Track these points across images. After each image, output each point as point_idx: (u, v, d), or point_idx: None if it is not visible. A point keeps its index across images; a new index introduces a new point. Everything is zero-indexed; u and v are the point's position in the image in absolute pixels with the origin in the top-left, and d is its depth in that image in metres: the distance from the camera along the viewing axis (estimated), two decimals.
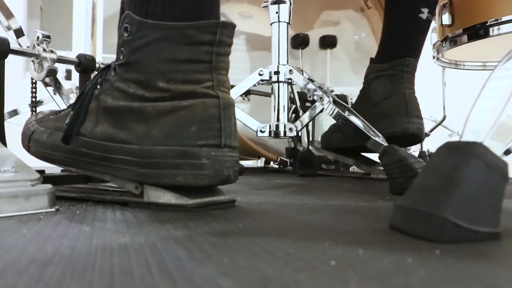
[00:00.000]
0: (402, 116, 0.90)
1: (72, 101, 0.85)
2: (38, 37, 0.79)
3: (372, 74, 0.98)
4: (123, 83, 0.47)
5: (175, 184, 0.44)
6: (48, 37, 0.79)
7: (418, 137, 0.92)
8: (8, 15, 0.88)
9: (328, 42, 1.41)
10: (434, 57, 1.17)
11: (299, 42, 1.31)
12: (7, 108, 0.86)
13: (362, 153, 1.04)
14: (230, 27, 0.46)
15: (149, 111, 0.45)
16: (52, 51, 0.80)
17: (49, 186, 0.44)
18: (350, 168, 1.20)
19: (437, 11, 1.01)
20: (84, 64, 0.83)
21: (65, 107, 0.82)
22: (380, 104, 0.94)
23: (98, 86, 0.50)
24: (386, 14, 1.00)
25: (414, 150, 1.56)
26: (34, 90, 0.84)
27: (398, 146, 0.70)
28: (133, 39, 0.46)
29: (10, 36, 0.85)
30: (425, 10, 0.91)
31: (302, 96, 1.18)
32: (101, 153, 0.47)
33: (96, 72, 0.88)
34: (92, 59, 0.85)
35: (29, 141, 0.55)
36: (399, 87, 0.92)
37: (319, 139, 1.29)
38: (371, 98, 0.96)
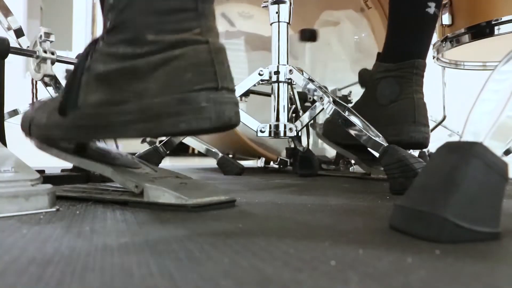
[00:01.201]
0: (409, 123, 0.88)
1: None
2: (40, 36, 0.79)
3: (379, 73, 0.96)
4: (112, 47, 0.47)
5: (178, 132, 0.44)
6: (51, 34, 0.79)
7: (423, 146, 0.91)
8: (8, 15, 0.88)
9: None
10: (434, 57, 1.17)
11: (307, 36, 1.30)
12: (7, 108, 0.86)
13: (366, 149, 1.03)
14: None
15: (142, 66, 0.45)
16: (52, 53, 0.80)
17: (49, 186, 0.44)
18: (350, 168, 1.20)
19: None
20: None
21: None
22: (386, 107, 0.92)
23: (89, 58, 0.50)
24: (391, 9, 0.97)
25: (414, 150, 1.56)
26: (34, 90, 0.84)
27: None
28: (119, 1, 0.47)
29: (10, 36, 0.85)
30: (432, 4, 0.89)
31: (302, 96, 1.18)
32: (102, 119, 0.47)
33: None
34: None
35: (30, 128, 0.55)
36: (407, 91, 0.89)
37: (319, 141, 1.28)
38: (378, 99, 0.94)
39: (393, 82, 0.92)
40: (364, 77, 1.07)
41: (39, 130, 0.54)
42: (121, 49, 0.47)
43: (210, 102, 0.43)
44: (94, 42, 0.50)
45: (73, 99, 0.48)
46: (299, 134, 1.02)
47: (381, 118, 0.89)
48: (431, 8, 0.88)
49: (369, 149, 0.76)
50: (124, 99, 0.46)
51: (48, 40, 0.79)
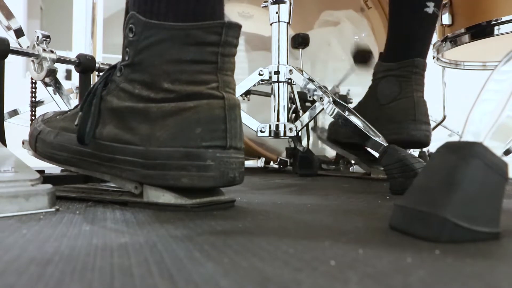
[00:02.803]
0: (409, 122, 0.88)
1: (72, 101, 0.85)
2: (38, 37, 0.79)
3: (380, 73, 0.96)
4: (128, 84, 0.47)
5: (180, 186, 0.44)
6: (48, 37, 0.79)
7: (424, 144, 0.91)
8: (8, 15, 0.88)
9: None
10: (434, 57, 1.17)
11: (299, 41, 1.30)
12: (7, 108, 0.86)
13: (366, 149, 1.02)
14: (235, 27, 0.46)
15: (154, 112, 0.45)
16: (52, 51, 0.80)
17: (49, 186, 0.44)
18: (350, 168, 1.20)
19: None
20: (84, 64, 0.83)
21: (65, 107, 0.83)
22: (387, 106, 0.92)
23: (104, 87, 0.50)
24: (391, 9, 0.97)
25: (414, 150, 1.56)
26: (34, 90, 0.84)
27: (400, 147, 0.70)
28: (138, 40, 0.46)
29: (10, 36, 0.85)
30: (431, 4, 0.89)
31: (302, 96, 1.18)
32: (107, 154, 0.47)
33: (96, 72, 0.88)
34: (92, 59, 0.85)
35: (36, 141, 0.55)
36: (407, 90, 0.90)
37: (319, 141, 1.28)
38: (379, 99, 0.94)
39: (394, 81, 0.92)
40: (360, 56, 1.07)
41: (45, 146, 0.54)
42: (137, 89, 0.46)
43: (215, 161, 0.43)
44: (112, 68, 0.50)
45: (91, 130, 0.48)
46: (299, 134, 1.02)
47: (382, 117, 0.89)
48: (430, 8, 0.89)
49: (369, 149, 0.76)
50: (132, 139, 0.46)
51: (46, 40, 0.79)
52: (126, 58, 0.48)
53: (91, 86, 0.51)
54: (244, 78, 0.93)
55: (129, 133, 0.46)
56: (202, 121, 0.44)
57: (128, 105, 0.46)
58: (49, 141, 0.53)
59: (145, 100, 0.46)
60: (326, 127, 1.17)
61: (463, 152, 0.32)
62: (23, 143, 0.63)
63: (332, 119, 1.13)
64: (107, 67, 0.90)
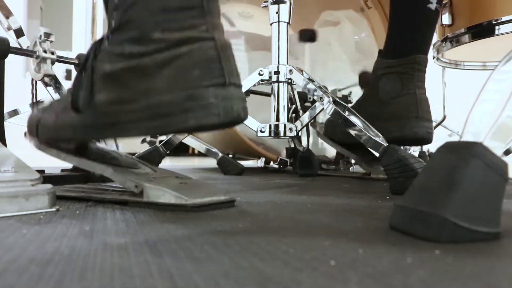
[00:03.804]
0: (411, 119, 0.87)
1: None
2: (40, 36, 0.79)
3: (380, 69, 0.95)
4: (118, 47, 0.47)
5: (188, 128, 0.44)
6: (50, 35, 0.79)
7: (427, 141, 0.91)
8: (8, 15, 0.88)
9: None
10: (434, 57, 1.17)
11: (308, 36, 1.29)
12: (7, 108, 0.86)
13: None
14: None
15: (149, 64, 0.45)
16: (52, 52, 0.80)
17: (49, 186, 0.44)
18: (350, 168, 1.20)
19: None
20: None
21: None
22: (389, 104, 0.91)
23: (92, 58, 0.50)
24: (392, 5, 0.96)
25: (414, 150, 1.56)
26: (34, 90, 0.84)
27: (402, 146, 0.70)
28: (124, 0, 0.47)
29: (10, 36, 0.85)
30: (434, 0, 0.89)
31: (302, 96, 1.18)
32: (110, 119, 0.47)
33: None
34: None
35: (37, 130, 0.55)
36: (409, 86, 0.89)
37: (319, 141, 1.28)
38: (380, 95, 0.93)
39: (395, 78, 0.91)
40: (364, 79, 1.06)
41: (47, 131, 0.54)
42: (127, 48, 0.46)
43: (218, 98, 0.44)
44: (99, 42, 0.50)
45: (86, 97, 0.48)
46: (299, 134, 1.02)
47: (383, 114, 0.88)
48: (433, 4, 0.88)
49: (369, 148, 0.76)
50: (132, 97, 0.46)
51: (48, 40, 0.79)
52: (113, 24, 0.48)
53: (83, 58, 0.51)
54: (244, 78, 0.93)
55: (128, 92, 0.46)
56: (197, 64, 0.44)
57: (121, 66, 0.47)
58: (52, 124, 0.53)
59: (137, 56, 0.46)
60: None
61: (463, 152, 0.32)
62: (25, 134, 0.63)
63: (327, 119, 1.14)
64: None
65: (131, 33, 0.46)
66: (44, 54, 0.78)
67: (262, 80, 0.92)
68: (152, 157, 0.97)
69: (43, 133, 0.55)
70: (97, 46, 0.50)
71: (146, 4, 0.46)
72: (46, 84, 0.82)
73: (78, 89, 0.48)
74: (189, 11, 0.46)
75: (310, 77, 0.90)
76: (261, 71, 0.91)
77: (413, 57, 0.89)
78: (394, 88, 0.91)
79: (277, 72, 0.91)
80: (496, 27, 0.92)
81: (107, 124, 0.48)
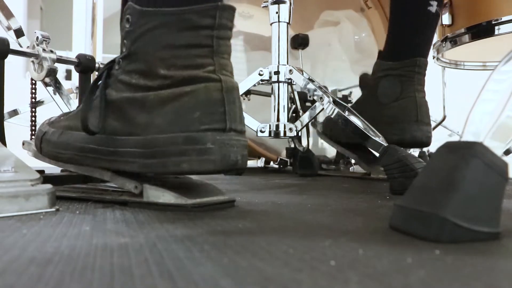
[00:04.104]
0: (411, 123, 0.87)
1: (72, 101, 0.85)
2: (37, 38, 0.79)
3: (380, 72, 0.95)
4: (126, 75, 0.47)
5: (181, 172, 0.43)
6: (47, 37, 0.79)
7: (425, 144, 0.91)
8: (8, 15, 0.88)
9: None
10: (434, 57, 1.17)
11: (299, 42, 1.30)
12: (7, 108, 0.86)
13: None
14: (230, 10, 0.45)
15: (152, 99, 0.44)
16: (52, 51, 0.80)
17: (49, 186, 0.44)
18: (350, 168, 1.20)
19: None
20: (84, 64, 0.83)
21: (65, 107, 0.83)
22: (388, 106, 0.91)
23: (103, 80, 0.50)
24: (393, 8, 0.96)
25: (414, 150, 1.56)
26: (34, 90, 0.84)
27: (401, 147, 0.70)
28: (134, 29, 0.46)
29: (10, 36, 0.85)
30: (434, 3, 0.88)
31: (302, 96, 1.18)
32: (108, 147, 0.47)
33: (96, 72, 0.88)
34: (92, 59, 0.85)
35: (41, 142, 0.55)
36: (409, 89, 0.89)
37: (319, 141, 1.28)
38: (379, 98, 0.93)
39: (395, 80, 0.91)
40: (365, 81, 1.06)
41: (49, 146, 0.54)
42: (134, 79, 0.46)
43: (216, 144, 0.42)
44: (111, 63, 0.50)
45: (100, 122, 0.47)
46: (299, 134, 1.02)
47: (382, 116, 0.88)
48: (433, 7, 0.88)
49: (369, 148, 0.76)
50: (131, 130, 0.45)
51: (45, 41, 0.79)
52: (124, 50, 0.48)
53: (93, 81, 0.50)
54: (244, 78, 0.93)
55: (128, 124, 0.46)
56: (200, 105, 0.43)
57: (126, 96, 0.46)
58: (54, 141, 0.53)
59: (142, 89, 0.45)
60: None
61: (463, 152, 0.32)
62: (23, 144, 0.63)
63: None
64: None
65: (139, 65, 0.46)
66: (44, 54, 0.78)
67: (262, 80, 0.92)
68: None
69: (45, 147, 0.55)
70: (108, 68, 0.50)
71: (154, 38, 0.45)
72: (46, 84, 0.83)
73: (86, 112, 0.48)
74: (197, 49, 0.45)
75: (310, 77, 0.90)
76: (261, 71, 0.91)
77: (413, 60, 0.89)
78: (394, 91, 0.91)
79: (277, 72, 0.91)
80: (496, 27, 0.92)
81: (105, 152, 0.47)
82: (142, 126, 0.45)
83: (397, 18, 0.95)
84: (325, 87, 1.13)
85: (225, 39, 0.46)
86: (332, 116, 0.83)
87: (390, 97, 0.91)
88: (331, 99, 0.84)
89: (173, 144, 0.43)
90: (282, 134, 0.89)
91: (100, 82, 0.49)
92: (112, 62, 0.50)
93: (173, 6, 0.45)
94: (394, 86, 0.91)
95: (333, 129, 1.08)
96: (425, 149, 1.58)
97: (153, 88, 0.45)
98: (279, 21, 0.91)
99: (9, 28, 0.88)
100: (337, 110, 0.81)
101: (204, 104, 0.43)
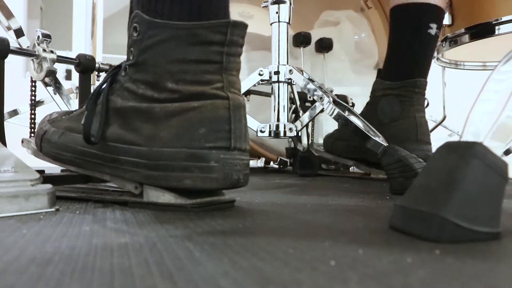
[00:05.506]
0: (411, 142, 0.87)
1: (72, 101, 0.85)
2: (38, 37, 0.79)
3: (379, 91, 0.95)
4: (132, 84, 0.47)
5: (182, 187, 0.44)
6: (48, 36, 0.79)
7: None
8: (8, 15, 0.88)
9: (324, 45, 1.39)
10: (434, 57, 1.17)
11: (300, 40, 1.30)
12: (7, 108, 0.86)
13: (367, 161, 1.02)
14: (241, 26, 0.45)
15: (158, 112, 0.44)
16: (52, 51, 0.80)
17: (49, 186, 0.44)
18: (350, 168, 1.20)
19: None
20: (84, 64, 0.83)
21: (65, 107, 0.83)
22: (388, 126, 0.90)
23: (107, 86, 0.49)
24: (392, 29, 0.96)
25: None
26: (34, 90, 0.84)
27: None
28: (142, 39, 0.46)
29: (10, 36, 0.85)
30: (434, 26, 0.88)
31: (302, 96, 1.18)
32: (110, 154, 0.47)
33: (96, 72, 0.88)
34: (92, 59, 0.85)
35: (41, 141, 0.55)
36: (409, 110, 0.89)
37: (319, 141, 1.28)
38: (379, 117, 0.93)
39: (395, 100, 0.91)
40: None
41: (49, 146, 0.54)
42: (141, 89, 0.46)
43: (219, 162, 0.43)
44: (117, 69, 0.49)
45: (100, 129, 0.47)
46: (299, 134, 1.02)
47: (383, 136, 0.88)
48: (433, 30, 0.88)
49: (369, 147, 0.76)
50: (135, 140, 0.45)
51: (46, 40, 0.79)
52: (131, 58, 0.47)
53: (98, 85, 0.50)
54: (244, 78, 0.93)
55: (132, 133, 0.46)
56: (206, 122, 0.43)
57: (132, 105, 0.46)
58: (54, 141, 0.53)
59: (149, 100, 0.45)
60: (324, 134, 1.18)
61: (463, 152, 0.32)
62: (22, 141, 0.63)
63: (327, 133, 1.15)
64: (107, 67, 0.91)
65: (147, 75, 0.46)
66: (44, 54, 0.78)
67: (262, 80, 0.92)
68: None
69: (45, 147, 0.55)
70: (114, 73, 0.49)
71: (163, 51, 0.45)
72: (46, 84, 0.83)
73: (90, 121, 0.48)
74: (207, 65, 0.44)
75: (310, 77, 0.90)
76: (261, 71, 0.91)
77: (413, 81, 0.89)
78: (394, 111, 0.91)
79: (277, 72, 0.91)
80: (496, 27, 0.92)
81: (106, 158, 0.47)
82: (146, 137, 0.45)
83: (396, 39, 0.95)
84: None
85: (235, 56, 0.46)
86: (332, 117, 0.83)
87: (390, 117, 0.92)
88: (331, 99, 0.84)
89: (177, 159, 0.43)
90: (282, 134, 0.89)
91: (104, 86, 0.49)
92: (118, 67, 0.50)
93: (184, 20, 0.44)
94: (394, 106, 0.91)
95: (333, 145, 1.09)
96: None
97: (160, 101, 0.45)
98: (279, 21, 0.91)
99: (9, 28, 0.88)
100: (337, 110, 0.81)
101: (210, 121, 0.43)
